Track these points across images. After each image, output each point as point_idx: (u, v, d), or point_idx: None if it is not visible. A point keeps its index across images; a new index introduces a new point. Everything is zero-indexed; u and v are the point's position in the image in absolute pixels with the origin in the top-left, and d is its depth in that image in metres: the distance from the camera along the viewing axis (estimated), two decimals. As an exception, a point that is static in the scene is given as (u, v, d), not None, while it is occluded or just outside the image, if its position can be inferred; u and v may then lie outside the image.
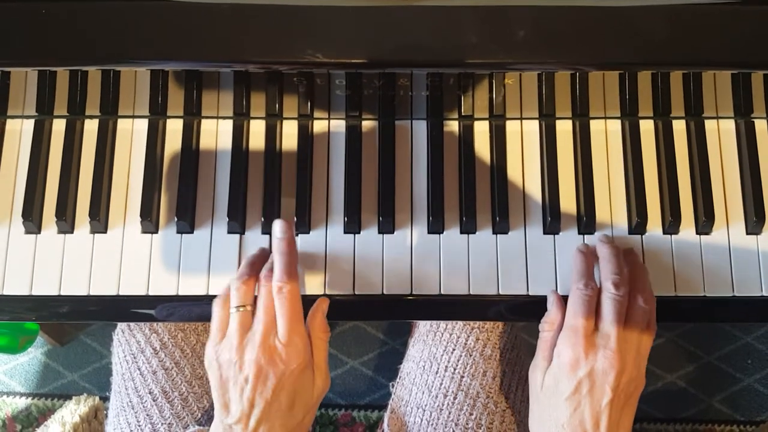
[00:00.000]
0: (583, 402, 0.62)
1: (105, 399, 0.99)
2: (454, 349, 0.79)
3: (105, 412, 0.98)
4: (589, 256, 0.68)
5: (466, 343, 0.79)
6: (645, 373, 0.65)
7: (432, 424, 0.78)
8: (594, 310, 0.64)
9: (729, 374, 1.44)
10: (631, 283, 0.66)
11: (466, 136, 0.74)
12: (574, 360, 0.63)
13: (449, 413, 0.77)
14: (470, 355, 0.78)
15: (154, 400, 0.79)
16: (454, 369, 0.78)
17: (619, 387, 0.62)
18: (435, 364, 0.79)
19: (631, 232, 0.72)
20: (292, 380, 0.63)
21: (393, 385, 0.85)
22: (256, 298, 0.66)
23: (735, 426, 1.42)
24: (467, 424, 0.77)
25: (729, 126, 0.75)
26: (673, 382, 1.44)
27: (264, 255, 0.69)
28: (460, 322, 0.79)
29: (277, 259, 0.65)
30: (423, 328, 0.83)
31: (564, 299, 0.67)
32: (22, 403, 1.44)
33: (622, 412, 0.63)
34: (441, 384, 0.78)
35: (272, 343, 0.63)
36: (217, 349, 0.64)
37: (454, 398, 0.78)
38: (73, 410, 0.96)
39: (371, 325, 1.47)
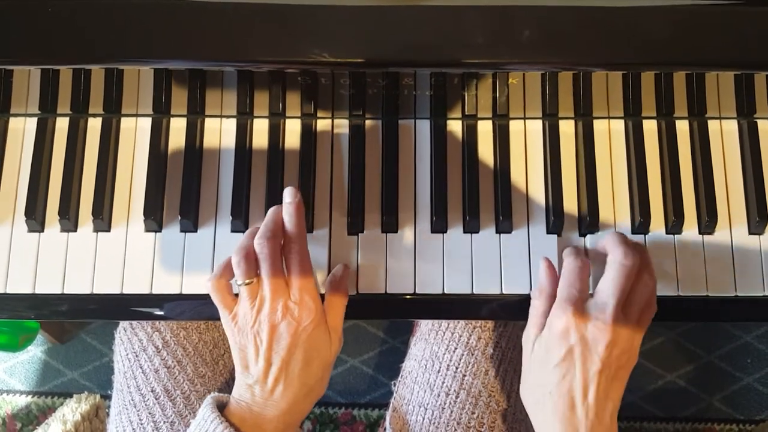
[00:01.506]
0: (571, 369, 0.63)
1: (105, 397, 0.99)
2: (456, 348, 0.79)
3: (106, 410, 0.98)
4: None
5: (468, 342, 0.79)
6: (639, 348, 0.64)
7: (434, 423, 0.78)
8: (587, 280, 0.65)
9: (729, 373, 1.45)
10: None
11: (470, 136, 0.74)
12: (564, 328, 0.63)
13: (451, 412, 0.77)
14: (472, 354, 0.78)
15: (156, 399, 0.78)
16: (456, 368, 0.78)
17: (610, 357, 0.62)
18: (437, 362, 0.79)
19: (634, 231, 0.72)
20: (305, 337, 0.64)
21: (394, 384, 0.85)
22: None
23: (734, 425, 1.43)
24: (469, 423, 0.77)
25: (732, 127, 0.75)
26: (673, 381, 1.44)
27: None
28: (462, 321, 0.79)
29: (287, 220, 0.67)
30: (425, 326, 0.83)
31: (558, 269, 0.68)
32: (22, 401, 1.44)
33: (611, 384, 0.63)
34: (443, 383, 0.78)
35: (283, 303, 0.64)
36: (231, 318, 0.66)
37: (456, 397, 0.78)
38: (74, 408, 0.96)
39: (371, 324, 1.47)
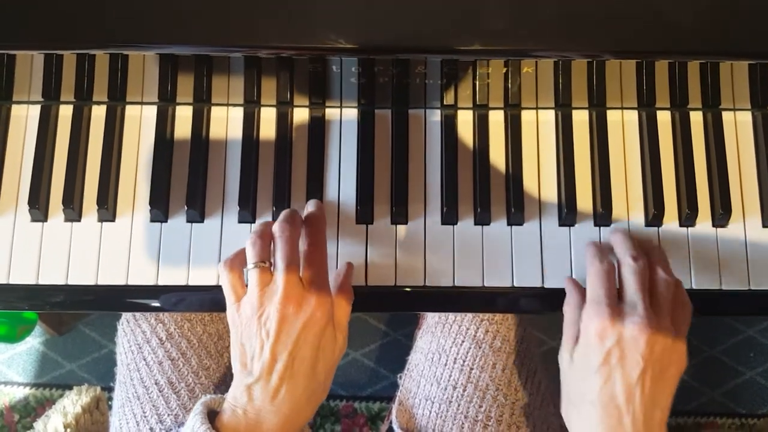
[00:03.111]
0: (613, 373, 0.59)
1: (105, 389, 0.98)
2: (463, 341, 0.78)
3: (108, 403, 0.97)
4: (602, 245, 0.68)
5: (475, 335, 0.78)
6: (686, 352, 0.62)
7: (441, 417, 0.77)
8: (614, 282, 0.63)
9: (731, 367, 1.45)
10: (648, 257, 0.65)
11: (481, 126, 0.73)
12: (601, 329, 0.60)
13: (458, 405, 0.77)
14: (480, 347, 0.78)
15: (160, 391, 0.77)
16: (464, 361, 0.78)
17: (652, 355, 0.59)
18: (444, 356, 0.79)
19: (647, 224, 0.72)
20: (316, 332, 0.60)
21: (401, 377, 0.84)
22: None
23: (737, 419, 1.43)
24: (477, 416, 0.76)
25: (746, 118, 0.74)
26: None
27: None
28: (470, 314, 0.79)
29: (310, 208, 0.67)
30: (431, 319, 0.83)
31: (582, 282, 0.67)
32: (20, 392, 1.43)
33: (657, 386, 0.60)
34: (450, 376, 0.78)
35: (298, 293, 0.60)
36: (237, 308, 0.62)
37: (464, 390, 0.77)
38: (74, 400, 0.95)
39: (373, 316, 1.46)
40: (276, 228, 0.62)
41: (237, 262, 0.64)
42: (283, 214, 0.64)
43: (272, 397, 0.60)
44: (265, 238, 0.63)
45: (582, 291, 0.66)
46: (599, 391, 0.60)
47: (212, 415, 0.62)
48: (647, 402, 0.59)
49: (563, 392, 0.66)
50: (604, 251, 0.66)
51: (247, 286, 0.63)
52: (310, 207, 0.68)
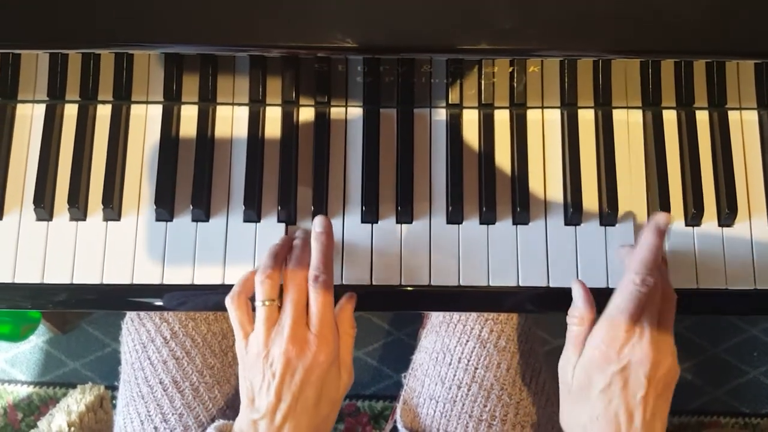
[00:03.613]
0: (616, 396, 0.61)
1: (109, 388, 0.98)
2: (467, 341, 0.78)
3: (112, 402, 0.97)
4: (661, 242, 0.63)
5: (479, 335, 0.78)
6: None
7: (445, 416, 0.77)
8: (644, 304, 0.62)
9: (735, 366, 1.44)
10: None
11: (486, 125, 0.73)
12: (608, 354, 0.61)
13: (463, 405, 0.77)
14: (484, 347, 0.78)
15: (164, 390, 0.77)
16: (468, 360, 0.78)
17: (654, 379, 0.61)
18: (448, 355, 0.79)
19: (653, 223, 0.71)
20: (319, 374, 0.62)
21: (405, 377, 0.84)
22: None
23: (740, 418, 1.42)
24: (481, 416, 0.76)
25: (752, 117, 0.74)
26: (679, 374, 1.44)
27: (286, 246, 0.68)
28: (474, 314, 0.78)
29: (315, 248, 0.66)
30: (435, 319, 0.82)
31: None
32: (23, 391, 1.43)
33: (656, 404, 0.62)
34: (454, 375, 0.78)
35: (302, 336, 0.62)
36: (245, 344, 0.64)
37: (468, 390, 0.77)
38: (78, 399, 0.96)
39: (376, 315, 1.46)
40: (289, 271, 0.64)
41: (243, 297, 0.65)
42: (295, 254, 0.65)
43: None
44: (275, 277, 0.64)
45: (592, 305, 0.65)
46: (604, 409, 0.62)
47: None
48: (648, 418, 0.61)
49: (562, 404, 0.67)
50: (656, 264, 0.63)
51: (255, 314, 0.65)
52: (317, 227, 0.67)
